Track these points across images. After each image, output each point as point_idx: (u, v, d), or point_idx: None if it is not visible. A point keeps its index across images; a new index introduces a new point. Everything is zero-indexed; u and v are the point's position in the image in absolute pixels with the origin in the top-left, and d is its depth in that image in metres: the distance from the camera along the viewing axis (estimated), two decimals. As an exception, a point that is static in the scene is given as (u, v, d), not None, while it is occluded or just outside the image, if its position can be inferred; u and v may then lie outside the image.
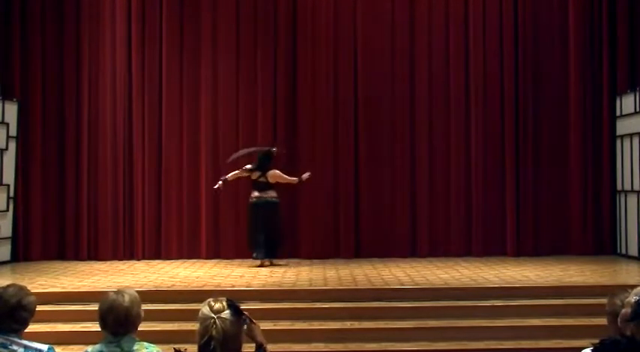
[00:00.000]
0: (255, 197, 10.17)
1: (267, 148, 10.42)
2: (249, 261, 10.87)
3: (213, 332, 2.77)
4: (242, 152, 10.66)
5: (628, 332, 2.93)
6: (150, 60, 11.51)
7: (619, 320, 2.99)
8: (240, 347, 2.86)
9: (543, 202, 11.45)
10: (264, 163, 10.18)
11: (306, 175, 10.37)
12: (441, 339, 7.06)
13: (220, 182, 10.32)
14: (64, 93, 11.46)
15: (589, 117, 11.52)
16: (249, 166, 10.23)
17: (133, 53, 11.49)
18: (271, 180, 10.15)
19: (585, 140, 11.49)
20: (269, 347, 3.02)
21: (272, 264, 10.22)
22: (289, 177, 10.31)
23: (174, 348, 2.97)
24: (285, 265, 10.27)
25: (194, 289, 8.30)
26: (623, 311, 2.98)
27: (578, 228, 11.38)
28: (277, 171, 10.23)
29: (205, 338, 2.78)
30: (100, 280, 8.98)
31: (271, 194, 10.14)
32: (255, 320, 2.99)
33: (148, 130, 11.48)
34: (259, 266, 10.10)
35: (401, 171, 11.53)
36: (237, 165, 10.51)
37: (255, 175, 10.14)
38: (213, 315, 2.80)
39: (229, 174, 10.33)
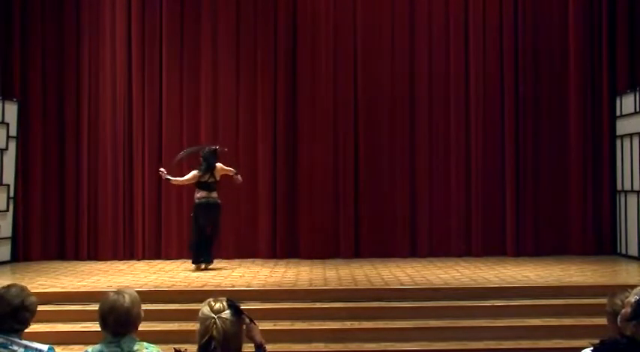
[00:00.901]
0: (204, 197, 9.81)
1: (213, 147, 10.06)
2: (250, 261, 10.91)
3: (214, 332, 2.77)
4: (188, 151, 10.39)
5: (628, 332, 2.94)
6: (150, 60, 11.51)
7: (619, 319, 3.00)
8: (241, 347, 2.86)
9: (543, 202, 11.45)
10: (212, 163, 9.85)
11: (239, 178, 9.95)
12: (441, 339, 7.06)
13: (164, 174, 9.95)
14: (64, 93, 11.46)
15: (589, 117, 11.51)
16: (196, 172, 9.82)
17: (133, 53, 11.49)
18: (218, 177, 9.87)
19: (585, 140, 11.49)
20: (269, 347, 3.03)
21: (207, 269, 9.85)
22: (228, 168, 9.98)
23: (174, 348, 2.97)
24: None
25: (194, 289, 8.29)
26: (623, 310, 2.98)
27: (578, 228, 11.38)
28: (220, 164, 9.92)
29: (206, 338, 2.79)
30: (100, 280, 8.97)
31: (215, 195, 9.85)
32: (255, 320, 2.99)
33: (148, 130, 11.47)
34: (201, 269, 9.78)
35: (401, 171, 11.52)
36: (181, 165, 10.39)
37: (205, 177, 9.80)
38: (213, 315, 2.80)
39: (174, 179, 9.98)
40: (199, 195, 9.87)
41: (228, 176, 10.03)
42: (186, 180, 9.97)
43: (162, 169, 10.10)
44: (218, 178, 9.93)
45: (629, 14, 11.42)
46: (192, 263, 9.95)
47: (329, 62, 11.57)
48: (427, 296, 7.94)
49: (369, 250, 11.33)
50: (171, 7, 11.57)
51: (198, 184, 9.88)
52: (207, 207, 9.83)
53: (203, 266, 9.90)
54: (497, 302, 7.79)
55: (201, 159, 9.96)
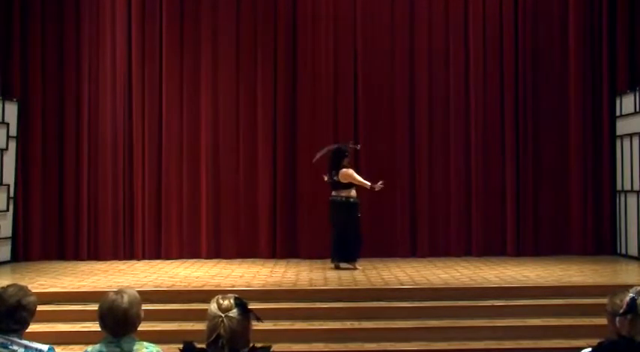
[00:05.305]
0: (331, 196, 9.83)
1: (336, 145, 10.11)
2: (250, 261, 10.92)
3: (221, 331, 2.83)
4: (323, 151, 10.19)
5: (624, 332, 2.95)
6: (150, 60, 11.50)
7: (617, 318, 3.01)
8: (248, 343, 2.89)
9: (543, 202, 11.45)
10: (334, 161, 9.82)
11: (379, 184, 9.79)
12: (441, 339, 7.06)
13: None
14: (64, 93, 11.45)
15: (589, 117, 11.52)
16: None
17: (132, 53, 11.48)
18: (342, 179, 9.73)
19: (585, 140, 11.50)
20: (268, 346, 3.04)
21: (337, 268, 9.78)
22: (362, 179, 9.79)
23: (183, 341, 2.98)
24: (354, 269, 9.74)
25: (194, 289, 8.29)
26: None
27: (578, 228, 11.38)
28: (349, 171, 9.77)
29: (214, 336, 2.83)
30: (100, 280, 8.97)
31: (344, 193, 9.72)
32: (255, 320, 3.01)
33: (148, 130, 11.47)
34: (333, 268, 9.79)
35: (401, 171, 11.52)
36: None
37: (331, 175, 9.82)
38: (221, 314, 2.85)
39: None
40: (331, 193, 9.89)
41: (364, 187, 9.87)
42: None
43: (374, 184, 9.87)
44: (342, 180, 9.73)
45: (629, 14, 11.42)
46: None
47: (329, 62, 11.57)
48: (427, 296, 7.94)
49: (369, 250, 11.30)
50: (172, 7, 11.56)
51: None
52: (330, 205, 9.84)
53: (334, 265, 9.85)
54: (497, 302, 7.79)
55: None
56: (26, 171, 11.26)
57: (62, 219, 11.38)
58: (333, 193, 9.87)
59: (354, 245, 9.92)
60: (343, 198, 9.81)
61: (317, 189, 11.36)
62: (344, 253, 9.91)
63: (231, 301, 2.91)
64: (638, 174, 10.61)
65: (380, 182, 9.87)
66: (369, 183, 9.86)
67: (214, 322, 2.86)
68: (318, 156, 10.25)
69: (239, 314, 2.87)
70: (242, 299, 2.93)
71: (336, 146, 10.17)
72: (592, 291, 7.81)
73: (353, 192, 9.83)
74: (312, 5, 11.63)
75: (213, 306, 2.91)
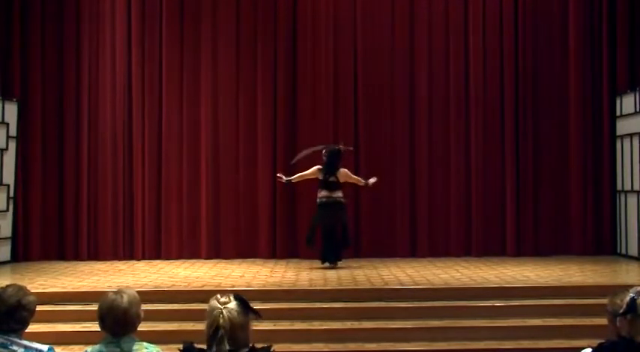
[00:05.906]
0: (325, 196, 9.88)
1: (336, 147, 10.16)
2: (250, 261, 10.91)
3: (221, 321, 2.80)
4: (306, 152, 10.41)
5: (624, 332, 2.96)
6: (150, 60, 11.50)
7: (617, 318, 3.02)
8: (248, 340, 2.87)
9: (543, 202, 11.45)
10: (334, 162, 9.94)
11: (372, 180, 10.04)
12: (441, 339, 7.06)
13: (284, 179, 10.14)
14: (64, 93, 11.45)
15: (589, 117, 11.52)
16: (316, 169, 9.99)
17: (133, 53, 11.48)
18: (341, 180, 9.93)
19: (585, 140, 11.50)
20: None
21: (336, 267, 9.92)
22: (356, 177, 10.17)
23: (183, 341, 2.98)
24: (331, 268, 9.88)
25: (194, 289, 8.29)
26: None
27: (578, 228, 11.38)
28: (346, 170, 10.08)
29: (213, 328, 2.81)
30: (100, 280, 8.97)
31: (339, 194, 9.90)
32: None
33: (148, 130, 11.47)
34: (329, 268, 9.87)
35: (401, 171, 11.52)
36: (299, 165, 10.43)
37: (325, 176, 9.88)
38: (220, 306, 2.84)
39: (294, 176, 10.15)
40: (321, 194, 9.94)
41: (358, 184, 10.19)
42: (307, 174, 10.08)
43: (279, 174, 10.23)
44: (342, 180, 9.95)
45: (629, 14, 11.42)
46: (322, 262, 10.04)
47: (329, 61, 11.57)
48: (427, 296, 7.94)
49: (369, 250, 11.32)
50: (172, 7, 11.56)
51: (320, 183, 9.96)
52: (327, 206, 9.88)
53: (330, 264, 9.95)
54: (497, 302, 7.79)
55: (324, 158, 10.03)
56: (26, 171, 11.27)
57: (62, 219, 11.38)
58: (331, 195, 9.88)
59: (345, 244, 10.17)
60: (342, 199, 9.96)
61: (317, 189, 11.36)
62: (340, 252, 10.06)
63: (231, 297, 2.92)
64: (638, 174, 10.61)
65: (373, 178, 10.04)
66: (363, 180, 10.06)
67: (213, 314, 2.84)
68: (300, 156, 10.35)
69: (238, 307, 2.86)
70: (241, 296, 2.93)
71: (338, 147, 10.17)
72: (592, 291, 7.81)
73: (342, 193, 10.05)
74: (312, 5, 11.64)
75: (212, 302, 2.91)
